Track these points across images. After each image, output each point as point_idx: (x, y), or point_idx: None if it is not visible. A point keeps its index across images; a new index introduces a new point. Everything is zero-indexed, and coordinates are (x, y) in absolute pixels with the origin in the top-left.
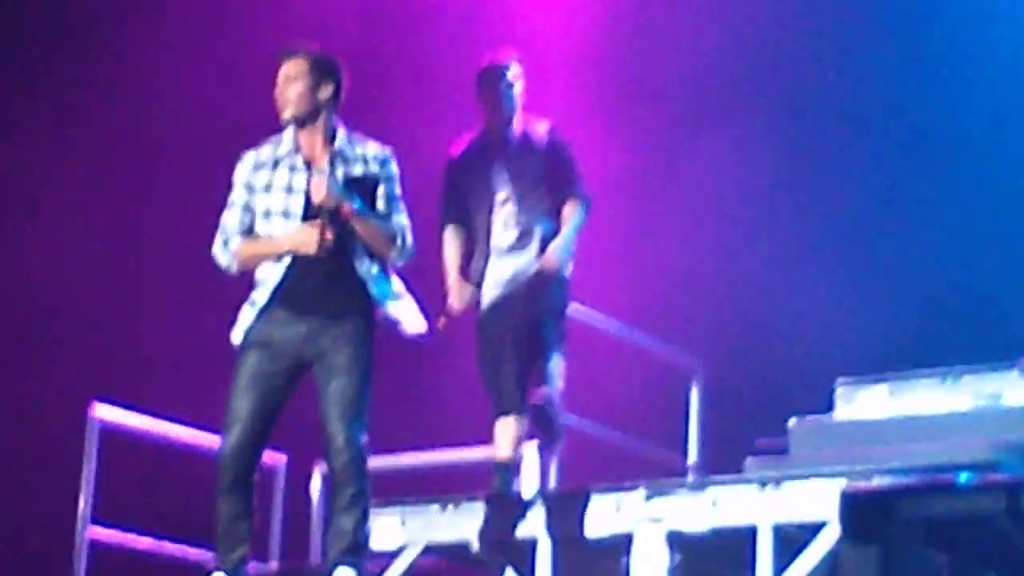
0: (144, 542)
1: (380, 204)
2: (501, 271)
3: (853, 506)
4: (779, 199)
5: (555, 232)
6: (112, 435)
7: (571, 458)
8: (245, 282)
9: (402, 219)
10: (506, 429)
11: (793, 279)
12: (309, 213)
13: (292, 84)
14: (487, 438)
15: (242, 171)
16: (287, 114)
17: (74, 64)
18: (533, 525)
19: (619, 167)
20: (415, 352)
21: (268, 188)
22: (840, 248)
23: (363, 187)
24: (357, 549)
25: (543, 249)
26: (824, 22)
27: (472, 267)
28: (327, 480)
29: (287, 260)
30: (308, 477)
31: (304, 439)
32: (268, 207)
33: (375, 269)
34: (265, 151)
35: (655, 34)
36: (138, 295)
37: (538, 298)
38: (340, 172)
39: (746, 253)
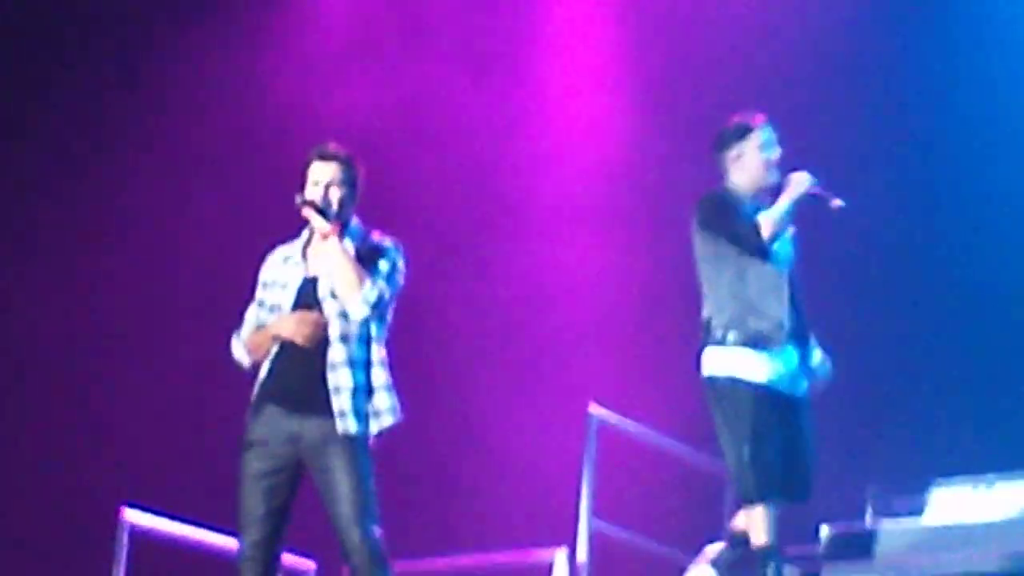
0: None
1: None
2: (787, 356)
3: None
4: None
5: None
6: (142, 540)
7: (602, 565)
8: None
9: (380, 282)
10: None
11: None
12: (297, 306)
13: (335, 188)
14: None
15: (264, 266)
16: (334, 218)
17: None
18: None
19: (653, 267)
20: (447, 453)
21: (275, 284)
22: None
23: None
24: None
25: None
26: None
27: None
28: None
29: (273, 354)
30: None
31: (333, 543)
32: (271, 302)
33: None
34: (288, 247)
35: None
36: (166, 397)
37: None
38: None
39: None
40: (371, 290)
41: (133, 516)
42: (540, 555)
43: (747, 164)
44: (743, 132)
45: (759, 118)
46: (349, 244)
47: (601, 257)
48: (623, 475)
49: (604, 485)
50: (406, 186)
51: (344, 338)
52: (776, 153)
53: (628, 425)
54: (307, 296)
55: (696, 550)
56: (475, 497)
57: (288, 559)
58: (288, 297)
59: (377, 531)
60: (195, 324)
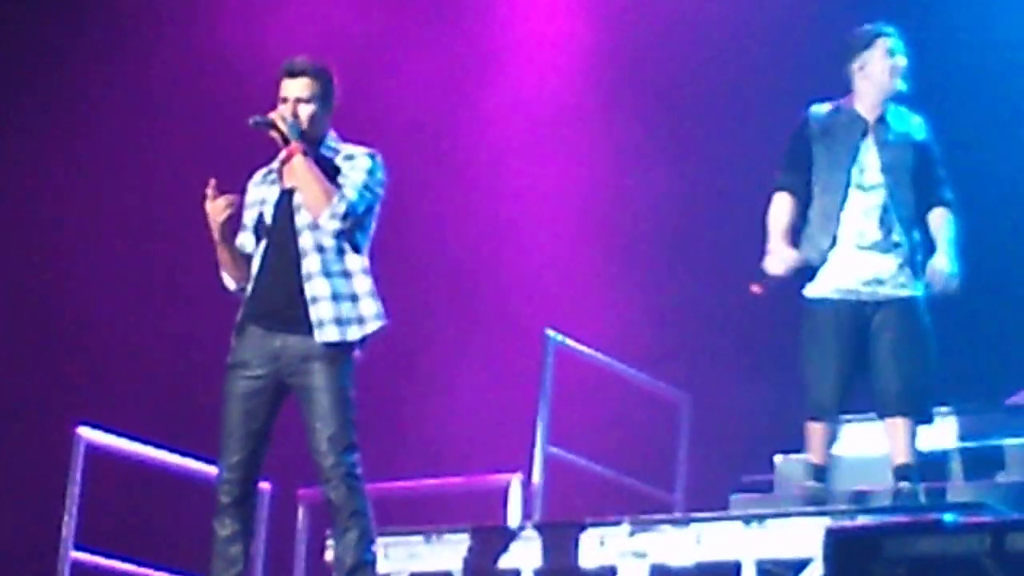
0: (127, 568)
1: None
2: (860, 266)
3: (837, 544)
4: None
5: (923, 240)
6: (97, 458)
7: (557, 491)
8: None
9: (350, 192)
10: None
11: (786, 312)
12: (275, 219)
13: (303, 105)
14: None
15: (247, 189)
16: (303, 130)
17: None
18: (517, 557)
19: (608, 200)
20: (402, 380)
21: (255, 203)
22: None
23: (326, 168)
24: (360, 569)
25: (913, 257)
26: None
27: (806, 242)
28: (312, 508)
29: (254, 274)
30: (294, 505)
31: (288, 466)
32: (255, 221)
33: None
34: (267, 166)
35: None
36: (130, 314)
37: (911, 319)
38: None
39: (737, 285)
40: (339, 203)
41: (88, 433)
42: (496, 480)
43: (871, 73)
44: (867, 41)
45: (883, 27)
46: (307, 162)
47: (559, 185)
48: (578, 401)
49: (561, 412)
50: (373, 119)
51: (319, 248)
52: (902, 60)
53: (584, 350)
54: (283, 209)
55: (651, 477)
56: (432, 422)
57: None
58: (268, 212)
59: (353, 456)
60: (162, 243)
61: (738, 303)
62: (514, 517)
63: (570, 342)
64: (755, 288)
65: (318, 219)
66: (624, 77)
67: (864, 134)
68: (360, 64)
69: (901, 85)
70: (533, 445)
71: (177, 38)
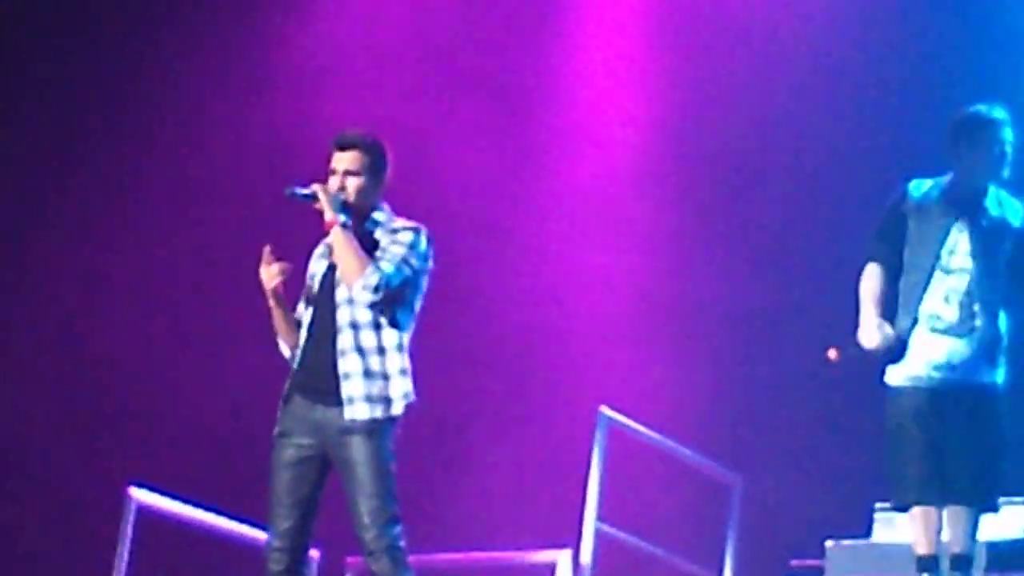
0: None
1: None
2: (933, 350)
3: None
4: (825, 311)
5: (1012, 330)
6: (149, 520)
7: (606, 569)
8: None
9: (386, 266)
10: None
11: (842, 394)
12: (320, 294)
13: (351, 178)
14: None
15: (310, 262)
16: (347, 200)
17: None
18: None
19: (665, 276)
20: (453, 452)
21: (312, 276)
22: None
23: (368, 242)
24: None
25: (993, 344)
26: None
27: (897, 322)
28: (360, 575)
29: (301, 344)
30: (341, 574)
31: (336, 534)
32: (305, 293)
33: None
34: (324, 243)
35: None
36: (183, 376)
37: (983, 408)
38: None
39: (789, 370)
40: (372, 275)
41: (140, 495)
42: (544, 556)
43: (977, 158)
44: (977, 124)
45: (995, 112)
46: (345, 234)
47: (616, 261)
48: (630, 479)
49: (611, 489)
50: (428, 196)
51: (353, 325)
52: (1009, 149)
53: (637, 428)
54: (327, 283)
55: (699, 557)
56: (483, 495)
57: None
58: (315, 285)
59: (395, 529)
60: (216, 307)
61: (793, 384)
62: None
63: (623, 419)
64: (831, 354)
65: (352, 289)
66: (681, 155)
67: (959, 216)
68: (416, 145)
69: (1005, 174)
70: (583, 521)
71: (231, 118)
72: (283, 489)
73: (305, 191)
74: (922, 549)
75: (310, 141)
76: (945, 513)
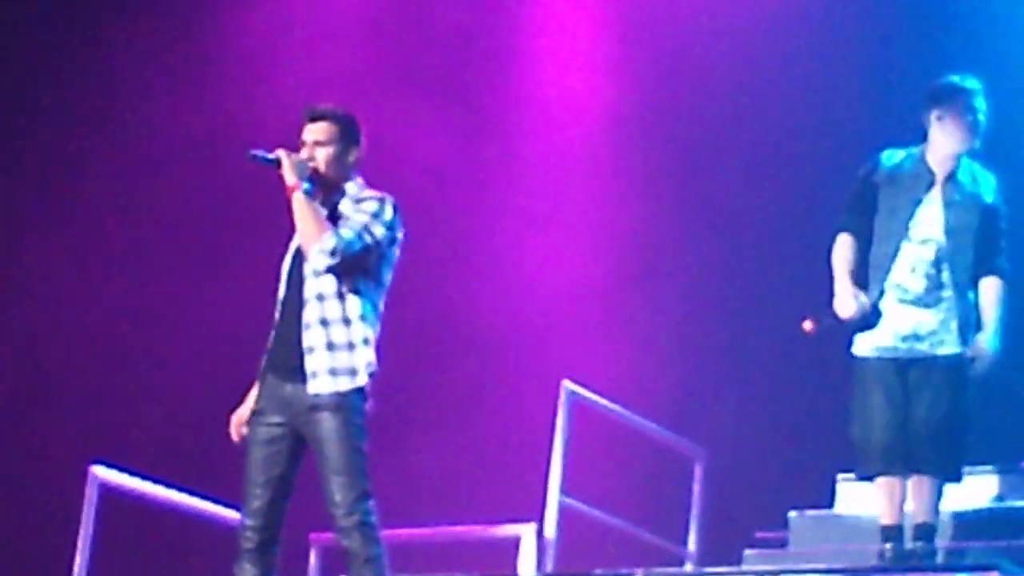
0: None
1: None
2: (899, 320)
3: None
4: (784, 284)
5: (975, 303)
6: (111, 497)
7: (570, 542)
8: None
9: (345, 231)
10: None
11: (805, 368)
12: (292, 266)
13: (320, 148)
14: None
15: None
16: (316, 169)
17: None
18: None
19: (625, 252)
20: (418, 427)
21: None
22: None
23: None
24: None
25: (960, 317)
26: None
27: (868, 292)
28: (324, 551)
29: (275, 322)
30: (306, 549)
31: (299, 510)
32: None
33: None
34: None
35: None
36: (147, 353)
37: (948, 378)
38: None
39: (752, 343)
40: (328, 239)
41: (103, 473)
42: (509, 530)
43: (948, 126)
44: (950, 93)
45: (968, 82)
46: (305, 200)
47: (578, 236)
48: (593, 453)
49: (575, 463)
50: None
51: (319, 296)
52: (982, 118)
53: (600, 402)
54: (297, 260)
55: (664, 529)
56: (446, 471)
57: None
58: (287, 263)
59: (366, 504)
60: (181, 283)
61: (755, 355)
62: (527, 567)
63: (586, 393)
64: (807, 325)
65: (308, 255)
66: (645, 132)
67: (929, 187)
68: (373, 134)
69: (976, 143)
70: (547, 495)
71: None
72: (256, 468)
73: (269, 156)
74: (887, 519)
75: (259, 126)
76: (909, 483)
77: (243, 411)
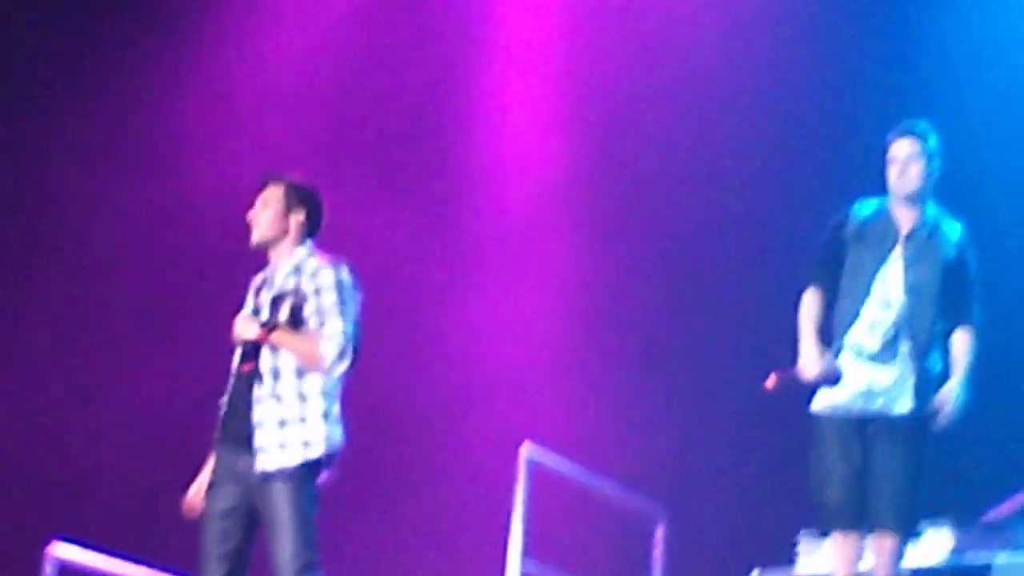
0: None
1: (312, 320)
2: (855, 378)
3: None
4: (746, 340)
5: (941, 360)
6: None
7: None
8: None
9: (333, 327)
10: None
11: (766, 426)
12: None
13: (264, 209)
14: None
15: (249, 294)
16: (254, 237)
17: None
18: None
19: (582, 311)
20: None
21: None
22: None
23: (294, 298)
24: None
25: (920, 375)
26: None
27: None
28: None
29: (229, 390)
30: None
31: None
32: None
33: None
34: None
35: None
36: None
37: (904, 435)
38: (273, 290)
39: (711, 401)
40: (329, 350)
41: (61, 550)
42: None
43: (890, 171)
44: (887, 143)
45: (913, 124)
46: (281, 336)
47: (533, 299)
48: (555, 515)
49: (536, 525)
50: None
51: (274, 372)
52: (906, 166)
53: (561, 464)
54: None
55: None
56: (406, 535)
57: None
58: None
59: (312, 575)
60: (129, 351)
61: (715, 414)
62: None
63: (546, 455)
64: (770, 382)
65: (323, 372)
66: (599, 190)
67: (893, 245)
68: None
69: (913, 187)
70: (507, 559)
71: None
72: (213, 541)
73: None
74: (840, 574)
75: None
76: (870, 540)
77: (199, 484)
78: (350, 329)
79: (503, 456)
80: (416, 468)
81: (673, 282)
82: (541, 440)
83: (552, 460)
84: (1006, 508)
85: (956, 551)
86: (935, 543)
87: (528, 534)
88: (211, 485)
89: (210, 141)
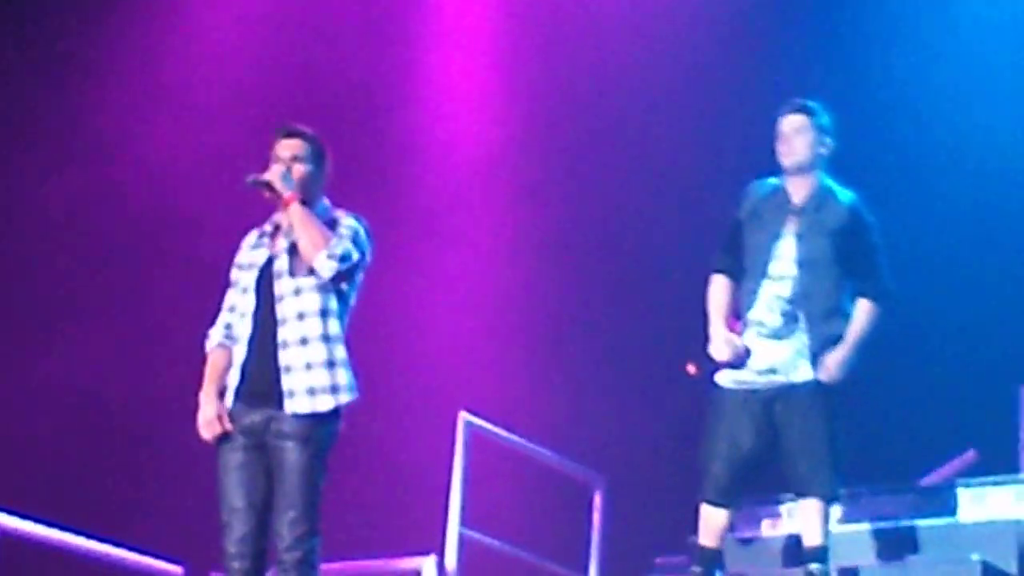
0: None
1: None
2: (757, 354)
3: None
4: (683, 310)
5: (832, 331)
6: (12, 544)
7: (471, 574)
8: None
9: (346, 240)
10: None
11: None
12: (260, 286)
13: (297, 164)
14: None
15: (240, 249)
16: (290, 182)
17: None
18: None
19: (518, 282)
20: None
21: (245, 266)
22: None
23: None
24: None
25: (818, 347)
26: None
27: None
28: None
29: (243, 357)
30: None
31: (199, 548)
32: (243, 284)
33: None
34: (260, 228)
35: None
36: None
37: (811, 403)
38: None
39: (648, 370)
40: (336, 244)
41: (2, 520)
42: (409, 563)
43: (778, 145)
44: (782, 112)
45: (787, 103)
46: (304, 208)
47: (471, 266)
48: (493, 483)
49: (474, 493)
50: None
51: (300, 315)
52: (788, 140)
53: (498, 432)
54: (266, 278)
55: (565, 558)
56: (344, 503)
57: (153, 563)
58: (253, 277)
59: (308, 544)
60: (85, 320)
61: (654, 383)
62: None
63: (484, 423)
64: (691, 368)
65: (315, 262)
66: (535, 163)
67: (785, 221)
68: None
69: (789, 160)
70: (447, 527)
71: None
72: (235, 494)
73: (261, 178)
74: (705, 542)
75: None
76: (797, 507)
77: (209, 410)
78: (354, 255)
79: (441, 425)
80: (354, 438)
81: (608, 253)
82: (479, 410)
83: (490, 429)
84: (941, 473)
85: (892, 515)
86: (871, 507)
87: (466, 503)
88: (225, 439)
89: (145, 124)
